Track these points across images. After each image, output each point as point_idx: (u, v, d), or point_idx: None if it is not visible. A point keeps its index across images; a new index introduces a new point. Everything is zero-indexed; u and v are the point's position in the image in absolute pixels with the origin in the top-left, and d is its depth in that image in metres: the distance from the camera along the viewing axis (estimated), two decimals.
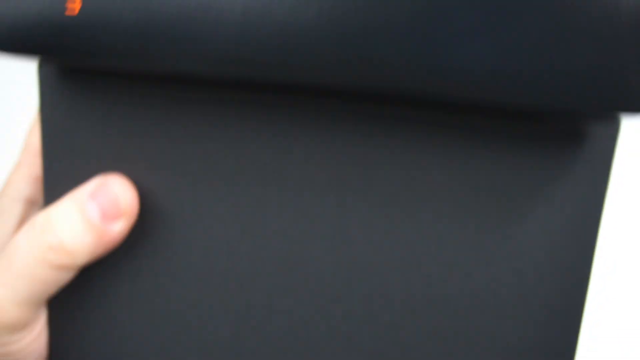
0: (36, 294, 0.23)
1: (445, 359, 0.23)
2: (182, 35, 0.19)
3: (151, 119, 0.23)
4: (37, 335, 0.24)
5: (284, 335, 0.24)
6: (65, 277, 0.23)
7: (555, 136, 0.22)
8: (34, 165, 0.26)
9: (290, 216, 0.23)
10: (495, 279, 0.22)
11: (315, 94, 0.23)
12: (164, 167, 0.23)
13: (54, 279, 0.22)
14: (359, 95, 0.22)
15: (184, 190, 0.23)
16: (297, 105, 0.23)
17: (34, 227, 0.22)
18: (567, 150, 0.22)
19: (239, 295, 0.24)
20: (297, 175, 0.23)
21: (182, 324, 0.24)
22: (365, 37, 0.19)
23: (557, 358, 0.22)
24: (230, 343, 0.24)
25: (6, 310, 0.22)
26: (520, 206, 0.22)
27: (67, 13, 0.20)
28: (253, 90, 0.23)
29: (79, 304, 0.25)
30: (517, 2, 0.18)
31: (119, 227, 0.22)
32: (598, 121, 0.21)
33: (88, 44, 0.20)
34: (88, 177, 0.23)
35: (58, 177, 0.23)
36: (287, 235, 0.23)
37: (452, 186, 0.22)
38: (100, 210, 0.22)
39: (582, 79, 0.19)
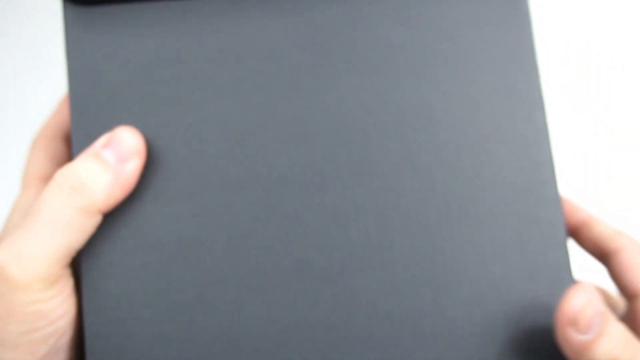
0: (64, 244, 0.24)
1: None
2: None
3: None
4: (67, 296, 0.25)
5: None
6: (90, 222, 0.24)
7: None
8: (49, 147, 0.29)
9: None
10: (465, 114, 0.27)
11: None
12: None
13: (80, 224, 0.24)
14: None
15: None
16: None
17: (55, 180, 0.24)
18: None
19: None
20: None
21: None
22: None
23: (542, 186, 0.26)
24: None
25: (37, 264, 0.23)
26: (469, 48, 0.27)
27: None
28: None
29: (108, 261, 0.26)
30: None
31: (132, 165, 0.25)
32: None
33: None
34: (117, 117, 0.27)
35: (86, 123, 0.26)
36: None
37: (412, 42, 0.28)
38: (114, 153, 0.25)
39: None
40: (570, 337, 0.23)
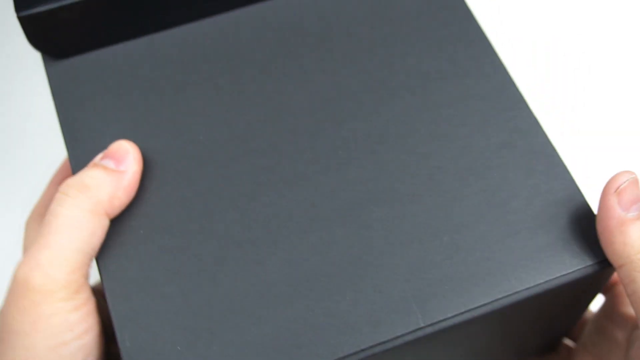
0: (78, 248, 0.25)
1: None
2: None
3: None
4: (90, 311, 0.26)
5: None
6: (99, 224, 0.26)
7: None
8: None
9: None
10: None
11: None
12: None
13: (90, 226, 0.25)
14: None
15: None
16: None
17: (60, 190, 0.26)
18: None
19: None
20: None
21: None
22: None
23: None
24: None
25: (57, 271, 0.24)
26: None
27: None
28: None
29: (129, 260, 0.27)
30: None
31: (131, 169, 0.27)
32: None
33: None
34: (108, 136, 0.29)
35: (81, 150, 0.29)
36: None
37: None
38: (112, 160, 0.27)
39: None
40: (612, 205, 0.25)
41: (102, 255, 0.27)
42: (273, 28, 0.32)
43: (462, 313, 0.25)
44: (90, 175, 0.26)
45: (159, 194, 0.28)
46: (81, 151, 0.29)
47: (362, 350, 0.25)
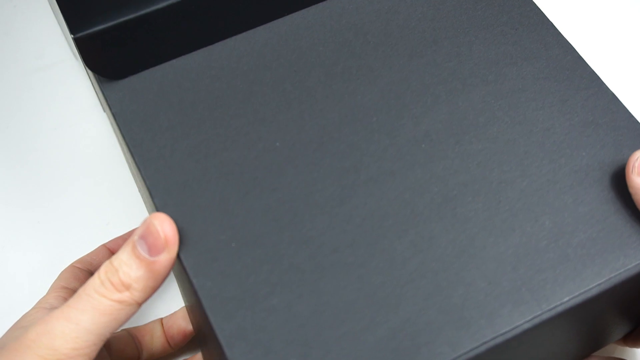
0: (96, 331, 0.26)
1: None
2: None
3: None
4: None
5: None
6: (126, 311, 0.26)
7: None
8: (77, 272, 0.34)
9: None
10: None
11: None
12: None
13: (115, 312, 0.26)
14: None
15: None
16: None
17: (98, 273, 0.27)
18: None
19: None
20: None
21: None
22: None
23: None
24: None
25: (62, 342, 0.25)
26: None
27: None
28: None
29: None
30: None
31: (164, 258, 0.26)
32: None
33: None
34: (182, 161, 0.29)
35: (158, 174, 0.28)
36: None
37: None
38: (147, 246, 0.26)
39: None
40: None
41: (197, 273, 0.26)
42: (332, 29, 0.31)
43: (576, 296, 0.25)
44: (126, 265, 0.26)
45: (243, 205, 0.27)
46: (155, 172, 0.28)
47: (484, 343, 0.24)
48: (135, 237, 0.27)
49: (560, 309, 0.24)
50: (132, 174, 0.39)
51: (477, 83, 0.29)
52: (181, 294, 0.37)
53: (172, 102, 0.30)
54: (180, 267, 0.27)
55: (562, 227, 0.26)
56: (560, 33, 0.31)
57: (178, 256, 0.26)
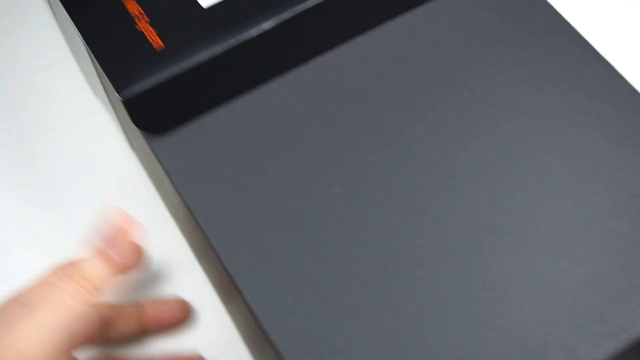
0: (64, 330, 0.27)
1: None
2: None
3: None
4: None
5: None
6: (89, 311, 0.28)
7: None
8: None
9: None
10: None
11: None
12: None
13: (79, 311, 0.28)
14: None
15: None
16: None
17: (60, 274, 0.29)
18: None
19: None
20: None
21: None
22: None
23: None
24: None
25: (31, 346, 0.26)
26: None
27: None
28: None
29: None
30: None
31: (130, 260, 0.29)
32: None
33: None
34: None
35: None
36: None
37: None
38: (115, 248, 0.29)
39: None
40: None
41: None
42: (369, 64, 0.31)
43: None
44: (91, 265, 0.29)
45: (310, 252, 0.27)
46: (216, 226, 0.28)
47: None
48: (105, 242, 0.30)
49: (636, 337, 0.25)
50: (168, 206, 0.39)
51: (520, 109, 0.29)
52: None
53: (223, 152, 0.29)
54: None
55: (628, 254, 0.26)
56: (596, 51, 0.31)
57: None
